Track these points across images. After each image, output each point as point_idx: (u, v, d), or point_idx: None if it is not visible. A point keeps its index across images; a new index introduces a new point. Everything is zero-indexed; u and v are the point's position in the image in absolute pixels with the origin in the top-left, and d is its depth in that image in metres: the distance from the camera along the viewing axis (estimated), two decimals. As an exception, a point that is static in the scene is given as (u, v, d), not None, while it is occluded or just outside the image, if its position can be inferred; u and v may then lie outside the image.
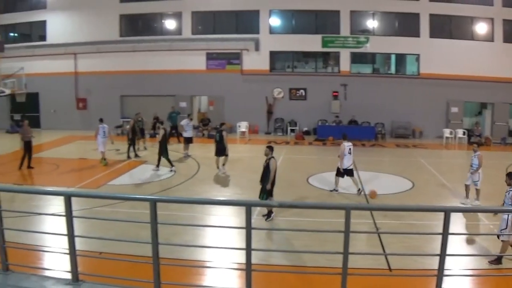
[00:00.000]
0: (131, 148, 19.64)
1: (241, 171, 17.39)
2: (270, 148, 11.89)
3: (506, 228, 8.72)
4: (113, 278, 6.19)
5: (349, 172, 14.12)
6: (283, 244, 10.55)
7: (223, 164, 16.77)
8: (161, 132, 17.38)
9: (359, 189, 13.95)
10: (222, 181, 16.42)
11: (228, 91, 26.28)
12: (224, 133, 16.61)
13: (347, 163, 13.98)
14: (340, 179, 14.05)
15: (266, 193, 11.55)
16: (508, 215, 8.66)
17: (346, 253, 4.96)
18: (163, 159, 17.04)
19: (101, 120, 18.86)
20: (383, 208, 10.93)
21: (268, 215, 11.68)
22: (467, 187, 13.03)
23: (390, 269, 8.80)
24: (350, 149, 14.09)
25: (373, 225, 11.11)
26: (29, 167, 17.51)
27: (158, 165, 17.15)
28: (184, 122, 20.11)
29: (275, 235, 11.08)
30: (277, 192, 13.98)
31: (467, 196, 12.94)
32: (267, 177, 11.59)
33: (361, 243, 10.19)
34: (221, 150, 16.60)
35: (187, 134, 19.90)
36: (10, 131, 28.42)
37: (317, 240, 10.24)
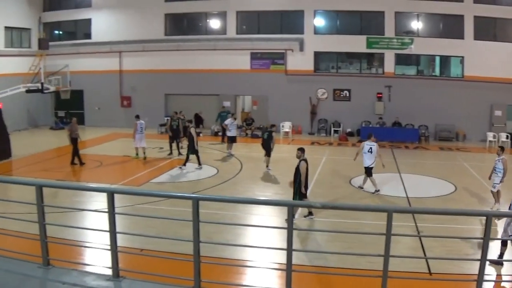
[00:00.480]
0: (173, 146, 22.77)
1: (284, 171, 18.94)
2: (302, 150, 13.46)
3: None
4: (153, 275, 6.84)
5: (368, 171, 16.45)
6: (324, 245, 11.86)
7: (267, 165, 19.70)
8: (192, 131, 19.86)
9: (361, 187, 16.74)
10: (264, 180, 18.79)
11: (272, 91, 29.94)
12: (273, 134, 19.70)
13: (368, 161, 16.32)
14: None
15: (298, 195, 13.03)
16: None
17: (387, 256, 5.52)
18: (191, 157, 19.62)
19: (137, 117, 22.33)
20: (425, 211, 11.67)
21: (310, 214, 13.36)
22: (494, 193, 14.44)
23: (430, 273, 9.91)
24: (370, 148, 16.31)
25: (414, 228, 12.53)
26: (72, 163, 20.59)
27: (185, 164, 19.79)
28: (228, 121, 23.33)
29: (316, 236, 12.40)
30: (319, 192, 16.56)
31: (497, 201, 14.34)
32: (297, 180, 13.08)
33: (402, 246, 11.22)
34: (266, 150, 19.56)
35: (231, 133, 22.95)
36: (54, 128, 32.53)
37: (358, 242, 11.50)
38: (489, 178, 14.71)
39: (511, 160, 15.69)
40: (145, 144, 22.19)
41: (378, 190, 16.31)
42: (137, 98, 32.08)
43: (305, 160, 13.24)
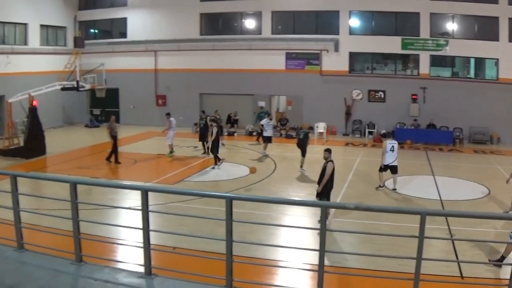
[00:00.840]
0: (205, 145, 25.20)
1: (318, 172, 20.60)
2: (329, 151, 14.59)
3: None
4: (185, 273, 7.44)
5: (392, 169, 18.64)
6: (356, 247, 12.71)
7: (301, 166, 21.66)
8: (214, 130, 21.93)
9: (394, 188, 18.52)
10: (298, 181, 20.37)
11: (306, 91, 33.00)
12: (310, 134, 22.23)
13: (389, 160, 18.52)
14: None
15: (324, 196, 14.08)
16: None
17: (419, 259, 5.89)
18: (219, 154, 22.05)
19: (169, 114, 25.35)
20: (458, 215, 11.82)
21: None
22: None
23: (462, 277, 10.65)
24: (392, 146, 18.56)
25: (447, 231, 13.50)
26: (108, 160, 23.10)
27: (216, 162, 22.19)
28: (264, 121, 25.85)
29: (348, 238, 13.37)
30: (352, 194, 18.03)
31: None
32: (322, 180, 14.10)
33: (434, 249, 11.98)
34: (302, 150, 21.54)
35: (267, 133, 25.35)
36: (89, 126, 36.01)
37: (391, 244, 12.20)
38: (507, 182, 15.76)
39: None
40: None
41: (382, 186, 18.78)
42: (172, 97, 35.53)
43: (332, 162, 14.32)
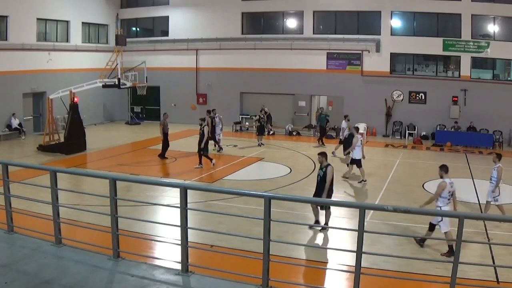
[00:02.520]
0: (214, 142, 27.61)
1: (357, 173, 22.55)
2: (324, 155, 15.05)
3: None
4: (222, 271, 7.86)
5: (357, 163, 21.44)
6: (393, 249, 13.25)
7: (347, 164, 23.24)
8: (205, 130, 23.42)
9: (362, 180, 21.20)
10: (337, 181, 20.09)
11: (347, 92, 36.38)
12: (355, 135, 24.38)
13: (357, 154, 21.42)
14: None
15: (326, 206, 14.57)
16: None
17: (456, 262, 6.35)
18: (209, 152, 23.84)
19: (210, 111, 28.53)
20: (496, 219, 12.31)
21: (316, 222, 14.85)
22: (487, 204, 16.34)
23: (497, 282, 11.11)
24: (361, 141, 21.62)
25: (484, 235, 14.24)
26: (163, 157, 25.67)
27: (211, 161, 24.00)
28: (344, 124, 27.82)
29: (386, 240, 13.96)
30: (392, 196, 19.22)
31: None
32: (322, 187, 14.52)
33: (471, 252, 12.64)
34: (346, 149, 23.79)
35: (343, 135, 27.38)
36: (130, 123, 39.84)
37: (427, 247, 13.11)
38: (492, 190, 16.29)
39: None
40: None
41: (365, 180, 21.43)
42: (212, 95, 39.39)
43: (331, 165, 14.87)
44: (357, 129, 23.57)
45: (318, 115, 33.66)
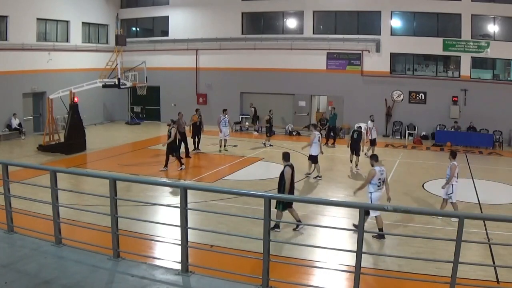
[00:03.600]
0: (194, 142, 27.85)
1: (357, 173, 23.54)
2: (285, 156, 15.28)
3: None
4: (222, 271, 7.90)
5: (314, 158, 22.02)
6: (393, 249, 13.37)
7: (356, 165, 24.07)
8: (173, 131, 22.96)
9: (317, 176, 21.84)
10: (337, 181, 22.10)
11: (347, 92, 36.41)
12: (363, 132, 24.96)
13: (316, 150, 22.02)
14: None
15: (282, 203, 14.30)
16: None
17: (456, 262, 6.38)
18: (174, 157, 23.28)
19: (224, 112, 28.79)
20: (496, 219, 12.11)
21: (276, 226, 14.75)
22: (443, 202, 16.70)
23: (498, 282, 11.19)
24: (318, 138, 22.33)
25: (485, 235, 14.36)
26: (188, 156, 26.08)
27: (182, 165, 23.57)
28: (370, 124, 27.88)
29: (386, 240, 14.11)
30: (392, 196, 17.89)
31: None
32: (282, 186, 14.65)
33: (471, 252, 12.61)
34: (356, 149, 24.10)
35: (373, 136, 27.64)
36: (130, 123, 39.87)
37: (427, 247, 13.19)
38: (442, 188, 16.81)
39: None
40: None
41: (320, 177, 22.05)
42: (212, 95, 39.45)
43: (290, 166, 14.89)
44: (314, 126, 24.51)
45: (331, 114, 33.16)
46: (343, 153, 26.99)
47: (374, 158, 14.96)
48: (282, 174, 14.73)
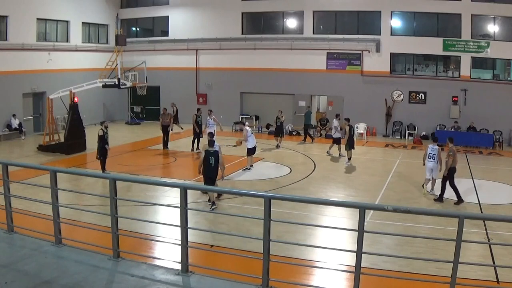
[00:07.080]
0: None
1: (357, 173, 23.83)
2: (210, 141, 17.01)
3: None
4: (222, 271, 7.96)
5: (251, 151, 23.55)
6: (393, 249, 13.48)
7: (349, 159, 25.37)
8: (99, 133, 22.11)
9: (246, 168, 23.43)
10: (337, 181, 22.33)
11: (347, 92, 36.44)
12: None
13: (252, 143, 23.51)
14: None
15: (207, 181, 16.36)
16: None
17: (456, 262, 6.40)
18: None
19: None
20: (497, 219, 12.18)
21: (213, 204, 16.45)
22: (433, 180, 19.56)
23: (498, 282, 11.30)
24: (251, 131, 23.75)
25: (485, 235, 14.52)
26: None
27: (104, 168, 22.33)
28: (335, 123, 28.14)
29: (386, 240, 14.26)
30: (392, 196, 19.48)
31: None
32: (212, 166, 16.57)
33: (471, 252, 12.74)
34: (350, 144, 25.27)
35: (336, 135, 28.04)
36: (130, 123, 39.89)
37: (427, 247, 13.34)
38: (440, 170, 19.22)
39: None
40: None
41: (249, 168, 23.66)
42: (212, 95, 39.48)
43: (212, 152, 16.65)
44: (243, 122, 26.99)
45: (306, 112, 34.10)
46: (334, 152, 27.59)
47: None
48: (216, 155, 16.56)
